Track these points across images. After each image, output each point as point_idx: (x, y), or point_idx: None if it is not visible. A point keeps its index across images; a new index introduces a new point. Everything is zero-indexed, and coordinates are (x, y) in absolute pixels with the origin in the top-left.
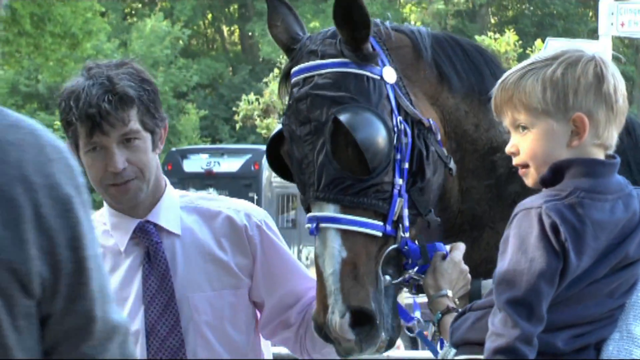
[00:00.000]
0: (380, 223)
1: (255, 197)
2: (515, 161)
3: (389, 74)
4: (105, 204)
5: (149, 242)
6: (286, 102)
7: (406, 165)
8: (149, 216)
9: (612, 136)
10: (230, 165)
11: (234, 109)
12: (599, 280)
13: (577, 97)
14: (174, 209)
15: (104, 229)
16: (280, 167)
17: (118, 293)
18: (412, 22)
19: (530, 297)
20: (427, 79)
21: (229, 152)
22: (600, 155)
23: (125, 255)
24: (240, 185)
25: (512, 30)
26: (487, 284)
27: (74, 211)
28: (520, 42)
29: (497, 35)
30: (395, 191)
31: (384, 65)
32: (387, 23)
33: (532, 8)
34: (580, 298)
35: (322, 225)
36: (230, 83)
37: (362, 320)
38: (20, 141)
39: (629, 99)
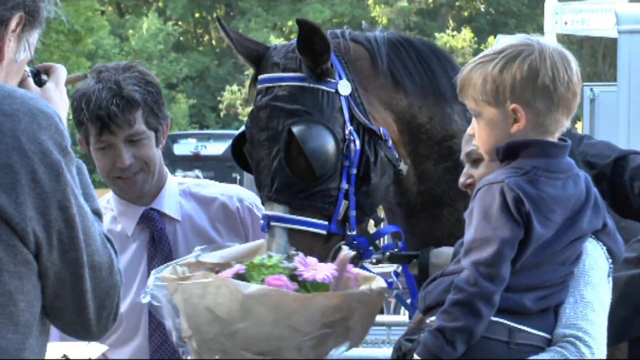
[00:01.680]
0: (326, 222)
1: (238, 177)
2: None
3: (344, 87)
4: (112, 192)
5: (154, 228)
6: (252, 106)
7: (354, 171)
8: (153, 204)
9: (557, 121)
10: (215, 148)
11: (219, 98)
12: (556, 250)
13: (514, 90)
14: (175, 196)
15: (112, 215)
16: (243, 161)
17: (126, 273)
18: (379, 20)
19: (494, 260)
20: (383, 86)
21: (215, 137)
22: (552, 138)
23: (132, 239)
24: (224, 166)
25: (468, 28)
26: (437, 253)
27: (63, 175)
28: (475, 39)
29: (455, 33)
30: (341, 194)
31: (340, 79)
32: (347, 33)
33: (486, 8)
34: (541, 265)
35: (272, 223)
36: (216, 75)
37: None
38: (15, 111)
39: None
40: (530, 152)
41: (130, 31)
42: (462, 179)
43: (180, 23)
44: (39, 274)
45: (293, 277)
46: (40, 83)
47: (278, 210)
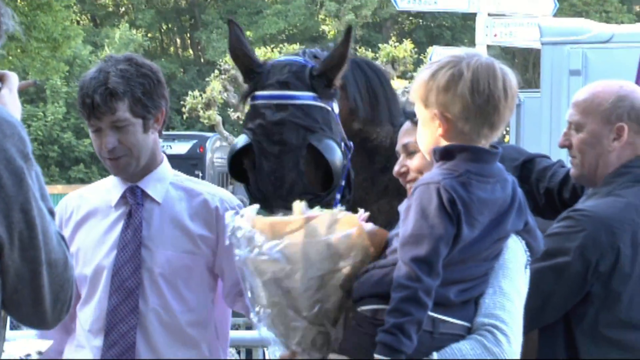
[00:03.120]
0: None
1: (200, 175)
2: None
3: (336, 106)
4: None
5: (133, 202)
6: (251, 119)
7: (342, 183)
8: (139, 183)
9: (478, 131)
10: (180, 148)
11: (182, 102)
12: (481, 249)
13: (437, 96)
14: (164, 182)
15: (106, 188)
16: (237, 171)
17: (102, 236)
18: (328, 32)
19: (431, 256)
20: (345, 106)
21: (179, 137)
22: (480, 145)
23: (114, 209)
24: (188, 164)
25: (409, 39)
26: None
27: (25, 180)
28: (415, 49)
29: (397, 44)
30: (336, 203)
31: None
32: (308, 52)
33: (425, 22)
34: (466, 261)
35: None
36: (182, 81)
37: None
38: None
39: None
40: (465, 157)
41: (106, 40)
42: (396, 168)
43: (149, 34)
44: (0, 271)
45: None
46: None
47: None
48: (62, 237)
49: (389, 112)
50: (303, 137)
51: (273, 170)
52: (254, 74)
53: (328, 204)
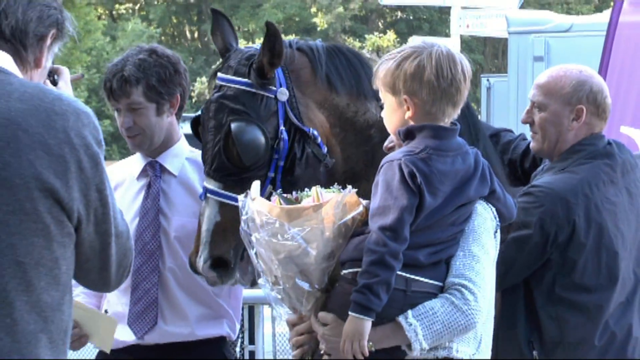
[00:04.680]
0: None
1: None
2: None
3: (282, 94)
4: None
5: (152, 175)
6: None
7: (281, 163)
8: (158, 158)
9: (443, 110)
10: (189, 129)
11: (191, 87)
12: (445, 214)
13: (405, 83)
14: (180, 157)
15: (131, 163)
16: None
17: (127, 205)
18: (320, 23)
19: (396, 224)
20: (319, 90)
21: (189, 119)
22: (443, 123)
23: (137, 181)
24: (196, 143)
25: (392, 30)
26: None
27: (100, 164)
28: (398, 39)
29: (382, 35)
30: (268, 181)
31: (280, 86)
32: (295, 42)
33: (406, 15)
34: (432, 226)
35: (208, 194)
36: (191, 69)
37: (220, 264)
38: (64, 111)
39: (475, 80)
40: (424, 135)
41: (121, 32)
42: (386, 143)
43: (160, 27)
44: (76, 243)
45: None
46: (54, 83)
47: (214, 186)
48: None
49: (372, 89)
50: (226, 118)
51: (206, 141)
52: (223, 56)
53: (255, 179)
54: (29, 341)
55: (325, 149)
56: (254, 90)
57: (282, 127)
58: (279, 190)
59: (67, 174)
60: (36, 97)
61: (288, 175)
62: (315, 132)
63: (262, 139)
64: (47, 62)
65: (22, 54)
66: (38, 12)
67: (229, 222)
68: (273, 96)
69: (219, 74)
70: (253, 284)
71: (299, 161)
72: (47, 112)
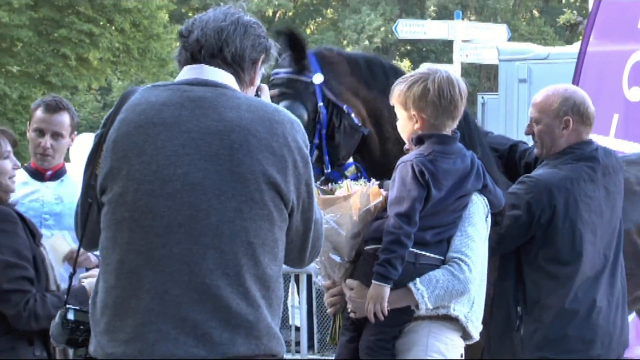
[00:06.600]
0: None
1: None
2: None
3: (317, 78)
4: None
5: None
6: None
7: (324, 132)
8: None
9: (444, 123)
10: None
11: None
12: (447, 204)
13: (414, 102)
14: None
15: None
16: None
17: None
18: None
19: (409, 211)
20: (352, 81)
21: None
22: (447, 131)
23: None
24: None
25: (407, 59)
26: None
27: (309, 163)
28: (412, 66)
29: (399, 62)
30: (314, 146)
31: (315, 72)
32: (336, 49)
33: (417, 47)
34: (437, 213)
35: None
36: None
37: None
38: (283, 120)
39: (471, 99)
40: (432, 141)
41: None
42: (406, 146)
43: None
44: (287, 228)
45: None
46: (257, 97)
47: None
48: None
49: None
50: (276, 98)
51: None
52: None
53: (310, 148)
54: (259, 306)
55: (358, 122)
56: (293, 76)
57: (320, 104)
58: (318, 183)
59: (286, 170)
60: (260, 109)
61: (330, 140)
62: (349, 109)
63: (304, 112)
64: (257, 81)
65: (240, 75)
66: (252, 40)
67: None
68: (310, 80)
69: (276, 70)
70: None
71: (337, 129)
72: (270, 120)
